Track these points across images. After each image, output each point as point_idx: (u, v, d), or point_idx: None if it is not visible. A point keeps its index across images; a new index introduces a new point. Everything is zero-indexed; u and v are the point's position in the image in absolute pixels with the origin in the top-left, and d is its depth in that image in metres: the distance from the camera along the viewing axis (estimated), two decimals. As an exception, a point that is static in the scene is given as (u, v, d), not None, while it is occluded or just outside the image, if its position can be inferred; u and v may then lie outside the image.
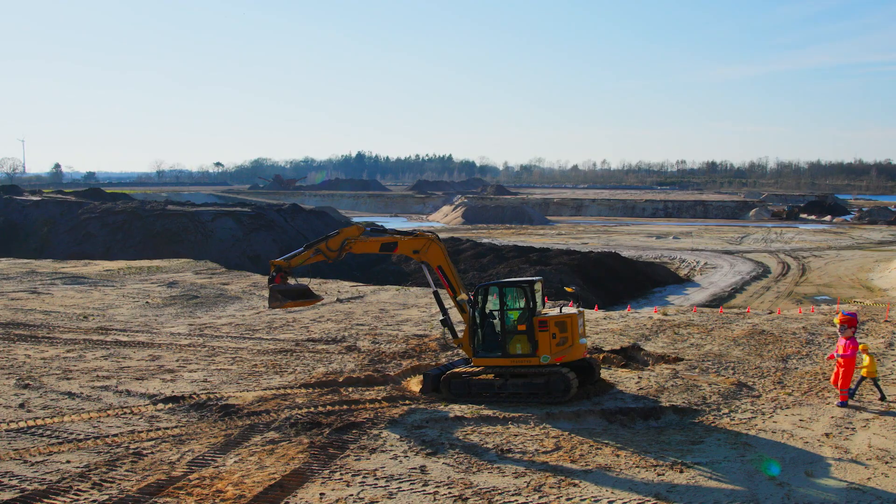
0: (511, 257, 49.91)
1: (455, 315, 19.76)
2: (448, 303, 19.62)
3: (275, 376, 19.61)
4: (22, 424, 15.40)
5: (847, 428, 15.56)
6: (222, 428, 15.39)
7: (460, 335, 18.44)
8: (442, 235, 72.93)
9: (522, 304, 17.56)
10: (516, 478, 12.72)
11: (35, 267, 44.24)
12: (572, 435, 15.05)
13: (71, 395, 17.66)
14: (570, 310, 18.46)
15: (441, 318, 18.73)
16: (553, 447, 14.27)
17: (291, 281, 17.89)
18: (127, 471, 12.95)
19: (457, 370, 17.84)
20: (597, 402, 17.14)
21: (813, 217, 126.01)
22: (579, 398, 17.21)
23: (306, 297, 17.95)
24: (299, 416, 15.94)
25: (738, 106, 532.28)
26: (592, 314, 31.68)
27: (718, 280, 50.89)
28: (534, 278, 18.24)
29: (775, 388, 18.68)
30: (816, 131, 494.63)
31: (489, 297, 17.93)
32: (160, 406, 16.87)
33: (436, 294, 18.91)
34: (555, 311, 17.98)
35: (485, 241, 67.25)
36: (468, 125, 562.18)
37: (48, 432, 14.94)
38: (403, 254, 18.53)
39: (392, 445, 14.31)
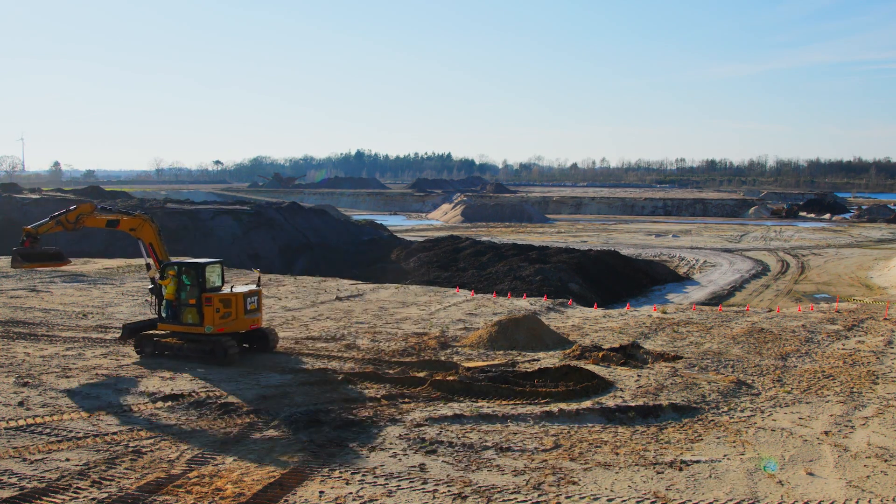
0: (510, 255, 49.84)
1: None
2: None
3: (274, 374, 19.62)
4: (21, 423, 15.40)
5: (846, 426, 15.58)
6: (221, 426, 15.40)
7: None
8: (441, 233, 73.09)
9: (194, 282, 20.68)
10: (515, 476, 12.72)
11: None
12: (571, 433, 15.06)
13: (70, 393, 17.66)
14: (242, 288, 21.66)
15: (150, 287, 21.74)
16: (552, 445, 14.28)
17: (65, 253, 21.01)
18: (126, 469, 12.95)
19: (149, 332, 21.48)
20: (596, 400, 17.16)
21: (812, 215, 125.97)
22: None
23: (54, 259, 20.81)
24: (299, 415, 15.96)
25: (738, 104, 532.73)
26: (592, 312, 31.70)
27: (718, 278, 50.88)
28: (210, 261, 21.55)
29: (774, 386, 18.69)
30: (816, 129, 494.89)
31: (171, 275, 20.90)
32: (159, 404, 16.87)
33: (148, 266, 21.72)
34: (229, 289, 21.22)
35: (484, 239, 67.24)
36: (467, 123, 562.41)
37: (47, 430, 14.94)
38: (123, 230, 21.42)
39: (391, 444, 14.31)
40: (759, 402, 17.26)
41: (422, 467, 13.14)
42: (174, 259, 22.13)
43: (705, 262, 59.19)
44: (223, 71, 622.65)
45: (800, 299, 40.78)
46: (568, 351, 22.46)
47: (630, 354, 21.43)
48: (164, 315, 21.29)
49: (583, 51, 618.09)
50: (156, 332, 21.52)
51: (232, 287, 21.66)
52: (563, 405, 16.64)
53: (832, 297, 41.33)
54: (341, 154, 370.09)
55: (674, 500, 11.81)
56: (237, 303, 20.71)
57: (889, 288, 45.26)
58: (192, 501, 11.66)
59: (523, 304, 32.94)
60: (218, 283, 21.30)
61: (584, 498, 11.83)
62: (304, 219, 67.71)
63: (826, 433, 15.11)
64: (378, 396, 17.46)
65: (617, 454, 13.82)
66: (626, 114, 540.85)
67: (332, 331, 25.81)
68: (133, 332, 21.61)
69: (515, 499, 11.79)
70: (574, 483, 12.42)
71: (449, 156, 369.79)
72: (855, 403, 17.20)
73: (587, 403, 16.84)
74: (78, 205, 20.78)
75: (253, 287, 21.92)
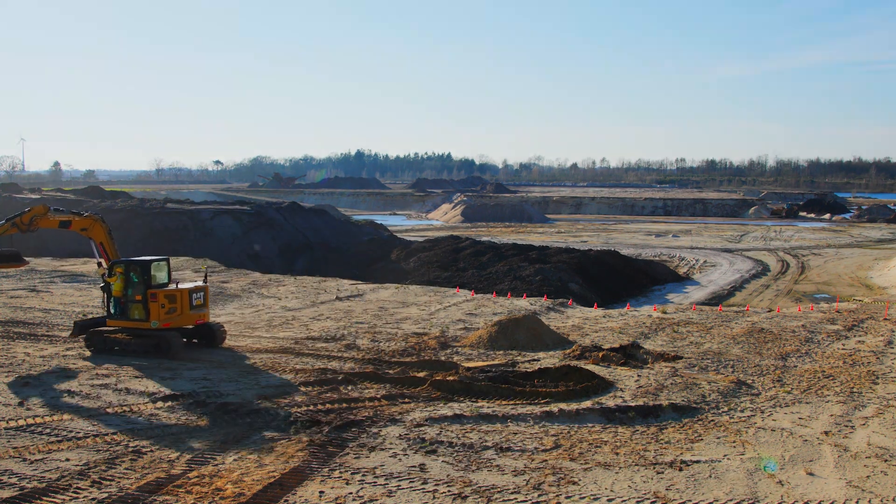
0: (510, 255, 49.80)
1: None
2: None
3: (274, 374, 19.62)
4: (21, 422, 15.40)
5: (846, 426, 15.58)
6: (221, 426, 15.40)
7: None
8: (441, 233, 73.05)
9: (140, 278, 21.34)
10: (515, 476, 12.72)
11: (34, 265, 44.18)
12: (571, 433, 15.06)
13: (70, 393, 17.67)
14: (188, 284, 22.37)
15: (101, 284, 22.25)
16: (552, 445, 14.28)
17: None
18: (126, 469, 12.95)
19: (99, 328, 22.10)
20: (596, 400, 17.16)
21: (812, 215, 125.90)
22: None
23: (11, 260, 21.43)
24: (298, 415, 15.96)
25: (738, 104, 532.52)
26: (592, 312, 31.69)
27: (718, 278, 50.86)
28: (155, 258, 22.22)
29: (774, 387, 18.70)
30: (816, 129, 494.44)
31: (118, 272, 21.48)
32: (159, 404, 16.87)
33: (99, 264, 22.31)
34: (175, 285, 21.86)
35: (484, 239, 67.22)
36: (467, 123, 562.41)
37: (47, 430, 14.94)
38: (75, 230, 21.98)
39: (391, 444, 14.32)
40: (759, 402, 17.26)
41: (422, 467, 13.14)
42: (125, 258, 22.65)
43: (705, 262, 59.18)
44: (223, 71, 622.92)
45: (800, 299, 40.78)
46: (568, 351, 22.47)
47: (630, 354, 21.43)
48: (112, 312, 21.88)
49: (583, 51, 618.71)
50: (105, 328, 22.16)
51: (178, 283, 22.38)
52: (563, 405, 16.64)
53: (832, 297, 41.33)
54: (341, 154, 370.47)
55: (674, 500, 11.81)
56: (182, 298, 21.51)
57: (889, 288, 45.25)
58: (192, 501, 11.66)
59: (523, 304, 32.94)
60: (164, 280, 21.98)
61: (584, 498, 11.84)
62: (304, 219, 67.67)
63: (826, 433, 15.11)
64: (378, 396, 17.46)
65: (617, 454, 13.82)
66: (627, 113, 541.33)
67: (332, 331, 25.81)
68: (83, 329, 22.19)
69: (515, 499, 11.79)
70: (574, 483, 12.43)
71: (449, 156, 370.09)
72: (855, 403, 17.20)
73: (587, 403, 16.84)
74: (31, 207, 21.52)
75: (199, 283, 22.60)
